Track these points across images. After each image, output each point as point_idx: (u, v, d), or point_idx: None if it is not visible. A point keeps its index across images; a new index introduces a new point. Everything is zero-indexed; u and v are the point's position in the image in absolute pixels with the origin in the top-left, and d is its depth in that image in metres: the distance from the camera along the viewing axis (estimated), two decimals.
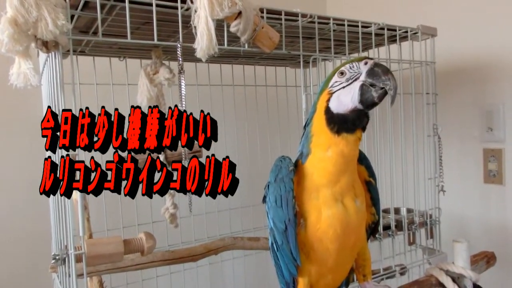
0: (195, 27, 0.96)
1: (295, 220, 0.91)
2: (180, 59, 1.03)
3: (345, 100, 0.89)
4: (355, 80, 0.89)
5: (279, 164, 0.94)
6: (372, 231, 1.07)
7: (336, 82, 0.91)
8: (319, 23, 1.26)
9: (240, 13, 0.99)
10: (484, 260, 1.33)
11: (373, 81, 0.87)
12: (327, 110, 0.91)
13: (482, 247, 1.46)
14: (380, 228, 1.08)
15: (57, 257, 0.94)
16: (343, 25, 1.31)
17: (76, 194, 0.94)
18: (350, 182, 0.92)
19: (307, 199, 0.92)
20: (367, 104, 0.88)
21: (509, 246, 1.73)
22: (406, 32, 1.46)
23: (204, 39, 0.93)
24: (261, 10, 1.10)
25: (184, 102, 1.08)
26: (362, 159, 1.01)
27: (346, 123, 0.89)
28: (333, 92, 0.91)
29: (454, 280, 1.15)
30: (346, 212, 0.90)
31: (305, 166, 0.93)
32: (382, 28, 1.39)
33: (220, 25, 1.02)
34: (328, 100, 0.91)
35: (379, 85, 0.87)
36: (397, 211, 1.56)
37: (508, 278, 1.74)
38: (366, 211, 0.99)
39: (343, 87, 0.90)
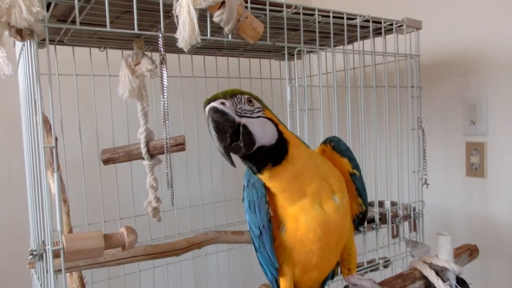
0: (177, 16, 0.93)
1: (269, 225, 0.88)
2: (162, 49, 1.00)
3: None
4: None
5: None
6: (360, 221, 1.05)
7: None
8: (304, 14, 1.25)
9: (223, 2, 0.96)
10: (467, 253, 1.34)
11: None
12: None
13: (464, 239, 1.48)
14: (367, 213, 1.08)
15: (34, 253, 0.91)
16: (328, 16, 1.29)
17: (54, 188, 0.91)
18: (320, 183, 0.89)
19: (282, 205, 0.89)
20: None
21: (491, 238, 1.75)
22: (391, 24, 1.45)
23: (186, 29, 0.91)
24: (245, 0, 1.08)
25: (166, 94, 1.06)
26: (344, 151, 0.98)
27: (250, 168, 0.86)
28: None
29: (437, 273, 1.15)
30: (325, 213, 0.88)
31: None
32: (367, 21, 1.38)
33: (203, 15, 0.99)
34: None
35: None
36: (381, 204, 1.56)
37: (490, 270, 1.77)
38: (350, 203, 0.97)
39: None
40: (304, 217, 0.87)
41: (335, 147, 0.98)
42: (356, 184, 1.00)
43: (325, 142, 0.99)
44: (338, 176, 0.95)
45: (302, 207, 0.87)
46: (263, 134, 0.82)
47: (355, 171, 0.99)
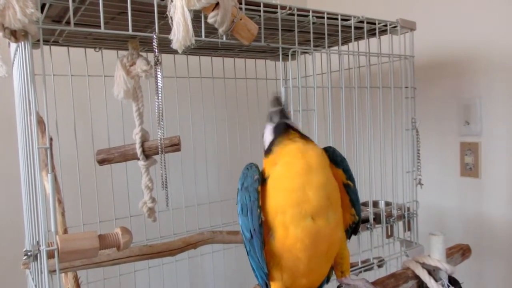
0: (171, 17, 0.94)
1: (261, 230, 0.89)
2: (156, 50, 1.01)
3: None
4: None
5: (246, 172, 0.93)
6: (352, 230, 1.05)
7: None
8: (298, 15, 1.25)
9: (217, 3, 0.97)
10: (459, 252, 1.35)
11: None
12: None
13: (458, 239, 1.48)
14: (360, 223, 1.09)
15: (28, 253, 0.91)
16: (323, 17, 1.30)
17: (48, 188, 0.92)
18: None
19: (274, 213, 0.89)
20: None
21: (485, 238, 1.76)
22: (386, 25, 1.46)
23: (180, 30, 0.91)
24: (240, 1, 1.08)
25: (160, 95, 1.06)
26: (339, 162, 0.98)
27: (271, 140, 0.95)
28: None
29: (430, 273, 1.16)
30: (315, 224, 0.87)
31: (268, 184, 0.91)
32: (362, 22, 1.39)
33: (197, 16, 1.00)
34: None
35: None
36: (375, 204, 1.56)
37: (484, 270, 1.78)
38: (343, 213, 0.97)
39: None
40: (293, 228, 0.87)
41: (330, 157, 0.98)
42: (350, 195, 1.00)
43: None
44: (336, 188, 0.95)
45: (292, 216, 0.87)
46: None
47: (349, 182, 0.99)
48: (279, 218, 0.88)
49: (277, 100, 0.99)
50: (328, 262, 0.99)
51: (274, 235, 0.90)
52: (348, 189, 0.99)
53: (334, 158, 0.98)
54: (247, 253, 0.95)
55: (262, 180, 0.92)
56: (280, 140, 0.92)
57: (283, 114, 0.96)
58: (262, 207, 0.89)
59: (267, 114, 0.99)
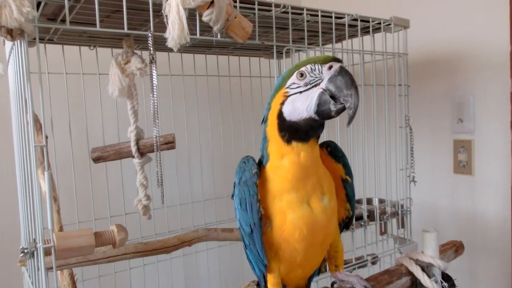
0: (166, 16, 0.94)
1: (260, 223, 0.89)
2: (151, 48, 1.01)
3: (300, 107, 0.84)
4: (315, 86, 0.84)
5: (243, 166, 0.92)
6: (345, 225, 1.07)
7: (293, 83, 0.85)
8: (292, 13, 1.26)
9: (212, 2, 0.97)
10: (452, 249, 1.36)
11: (333, 92, 0.82)
12: (280, 115, 0.86)
13: (452, 236, 1.50)
14: (353, 218, 1.11)
15: (25, 251, 0.92)
16: (317, 15, 1.31)
17: (44, 186, 0.92)
18: (316, 182, 0.90)
19: (272, 201, 0.90)
20: (323, 116, 0.83)
21: (477, 235, 1.78)
22: (379, 23, 1.47)
23: (175, 29, 0.92)
24: (234, 0, 1.09)
25: (156, 93, 1.06)
26: (339, 157, 0.99)
27: (298, 133, 0.85)
28: (289, 95, 0.85)
29: (423, 269, 1.17)
30: (312, 212, 0.89)
31: (266, 169, 0.91)
32: (356, 19, 1.40)
33: (192, 14, 1.00)
34: (283, 103, 0.86)
35: (340, 99, 0.81)
36: (369, 201, 1.58)
37: (476, 266, 1.79)
38: (337, 206, 0.98)
39: (300, 92, 0.84)
40: (291, 214, 0.88)
41: (332, 152, 0.99)
42: (347, 190, 1.01)
43: (321, 146, 1.00)
44: (329, 178, 0.96)
45: (290, 202, 0.88)
46: None
47: (347, 177, 1.01)
48: (276, 204, 0.89)
49: (356, 89, 0.83)
50: (322, 252, 1.01)
51: (272, 225, 0.91)
52: (346, 184, 1.01)
53: (335, 153, 1.00)
54: (245, 247, 0.96)
55: (259, 164, 0.93)
56: (304, 141, 0.86)
57: (351, 119, 0.83)
58: (259, 197, 0.90)
59: (334, 82, 0.82)
